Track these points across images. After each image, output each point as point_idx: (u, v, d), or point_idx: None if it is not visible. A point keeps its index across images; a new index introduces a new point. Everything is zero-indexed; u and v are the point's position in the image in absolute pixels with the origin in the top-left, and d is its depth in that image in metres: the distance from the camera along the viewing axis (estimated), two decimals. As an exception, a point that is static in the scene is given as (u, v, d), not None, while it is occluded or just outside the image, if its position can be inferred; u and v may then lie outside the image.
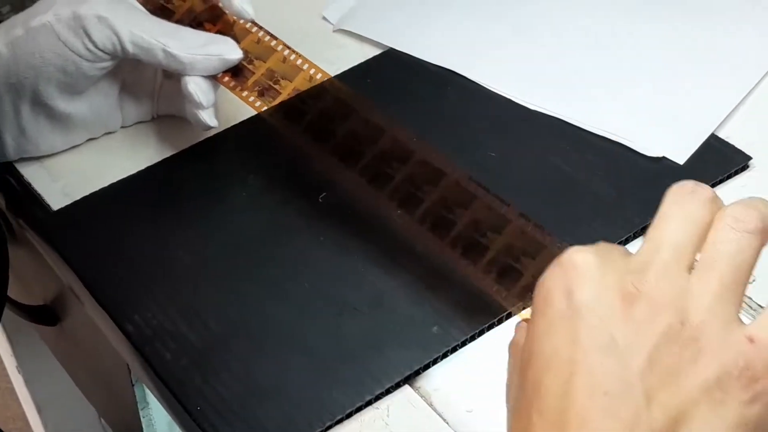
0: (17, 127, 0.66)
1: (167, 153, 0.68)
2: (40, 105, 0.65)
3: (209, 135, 0.69)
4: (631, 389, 0.36)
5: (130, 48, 0.62)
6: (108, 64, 0.63)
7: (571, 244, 0.39)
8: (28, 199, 0.68)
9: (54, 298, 0.82)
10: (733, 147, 0.64)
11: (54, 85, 0.64)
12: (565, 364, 0.37)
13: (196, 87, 0.63)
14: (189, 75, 0.62)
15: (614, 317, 0.37)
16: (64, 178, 0.68)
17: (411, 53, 0.73)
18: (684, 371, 0.36)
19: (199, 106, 0.63)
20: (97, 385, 0.85)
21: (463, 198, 0.57)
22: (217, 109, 0.65)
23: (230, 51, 0.63)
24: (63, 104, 0.65)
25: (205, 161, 0.68)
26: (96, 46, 0.62)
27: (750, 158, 0.63)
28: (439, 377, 0.55)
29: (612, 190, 0.62)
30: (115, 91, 0.67)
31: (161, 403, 0.59)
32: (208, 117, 0.64)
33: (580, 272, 0.38)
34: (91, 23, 0.61)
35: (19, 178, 0.69)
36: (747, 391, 0.36)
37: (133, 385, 0.74)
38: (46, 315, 0.83)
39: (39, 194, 0.67)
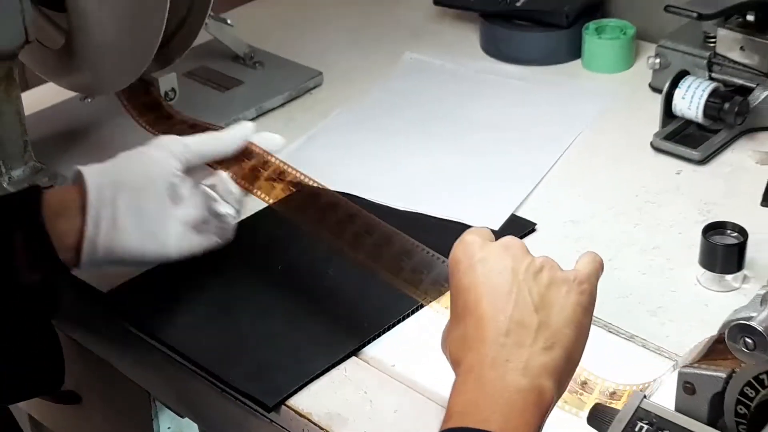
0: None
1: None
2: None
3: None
4: (518, 287, 0.73)
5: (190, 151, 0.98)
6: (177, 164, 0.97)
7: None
8: (77, 288, 1.03)
9: (77, 383, 1.15)
10: (525, 219, 1.07)
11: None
12: (479, 291, 0.73)
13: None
14: (200, 158, 0.98)
15: (499, 263, 0.74)
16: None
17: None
18: (542, 276, 0.74)
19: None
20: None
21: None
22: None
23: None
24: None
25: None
26: (171, 151, 0.97)
27: (535, 224, 1.06)
28: (374, 350, 0.93)
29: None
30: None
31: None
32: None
33: (472, 245, 0.76)
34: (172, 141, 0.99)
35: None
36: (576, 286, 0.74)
37: (152, 421, 1.08)
38: (70, 397, 1.15)
39: (88, 283, 1.02)
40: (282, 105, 1.30)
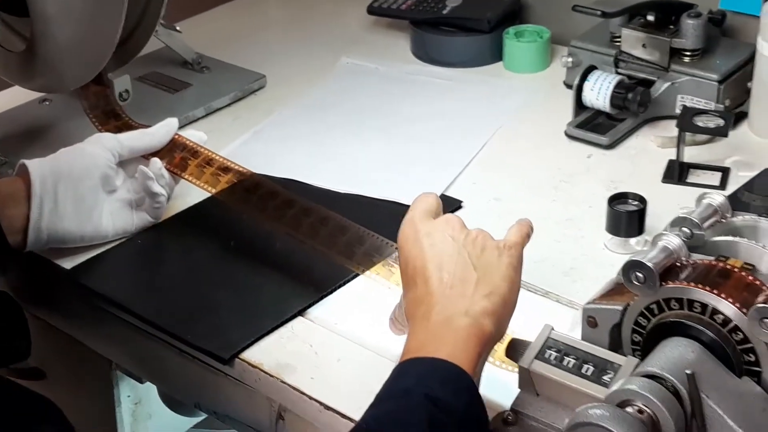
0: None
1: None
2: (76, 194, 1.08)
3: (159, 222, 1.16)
4: (458, 251, 0.84)
5: (122, 145, 1.10)
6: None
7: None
8: (43, 267, 1.12)
9: (41, 359, 1.23)
10: (453, 198, 1.18)
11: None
12: (425, 256, 0.84)
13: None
14: (132, 152, 1.12)
15: (441, 234, 0.85)
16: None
17: (266, 173, 1.23)
18: (477, 243, 0.85)
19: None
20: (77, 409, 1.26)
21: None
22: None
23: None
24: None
25: (161, 233, 1.15)
26: (104, 146, 1.10)
27: (461, 201, 1.18)
28: (318, 311, 1.03)
29: (393, 224, 1.13)
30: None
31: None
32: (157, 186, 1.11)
33: (418, 222, 0.87)
34: (105, 137, 1.11)
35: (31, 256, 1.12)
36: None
37: (112, 390, 1.17)
38: (34, 373, 1.24)
39: (53, 262, 1.11)
40: (229, 105, 1.40)
